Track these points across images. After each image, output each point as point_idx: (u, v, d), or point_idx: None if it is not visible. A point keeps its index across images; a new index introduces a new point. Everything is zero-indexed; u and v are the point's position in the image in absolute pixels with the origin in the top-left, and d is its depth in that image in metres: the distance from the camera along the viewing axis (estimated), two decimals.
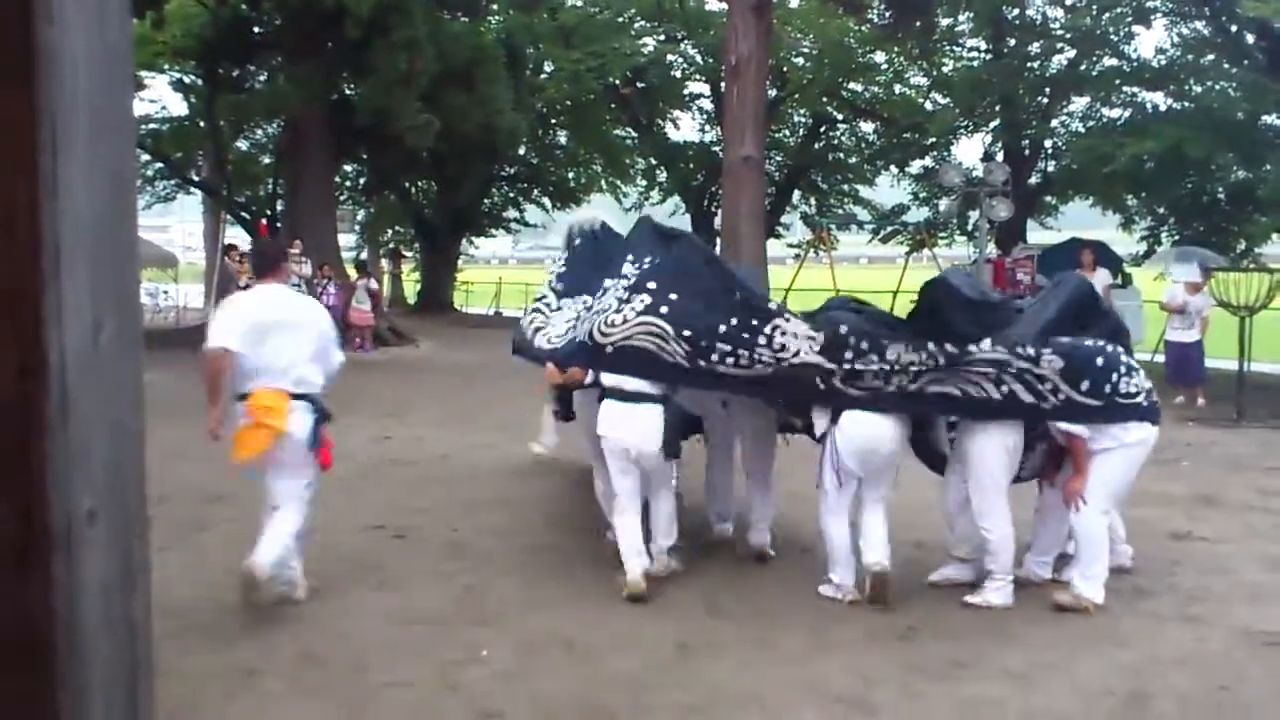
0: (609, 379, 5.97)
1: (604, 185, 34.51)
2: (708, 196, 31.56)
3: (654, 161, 33.08)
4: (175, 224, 62.42)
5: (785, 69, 29.23)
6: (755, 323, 5.85)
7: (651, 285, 5.99)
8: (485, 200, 33.02)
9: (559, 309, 7.10)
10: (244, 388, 5.38)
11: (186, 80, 25.78)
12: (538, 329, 6.96)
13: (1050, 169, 26.52)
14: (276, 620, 5.26)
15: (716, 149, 29.66)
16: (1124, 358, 6.00)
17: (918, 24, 22.56)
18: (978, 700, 4.54)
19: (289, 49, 21.11)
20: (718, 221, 21.84)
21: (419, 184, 31.83)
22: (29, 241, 1.18)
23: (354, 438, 9.36)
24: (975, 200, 20.01)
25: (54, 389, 1.20)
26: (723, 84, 21.33)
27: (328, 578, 5.96)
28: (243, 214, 26.22)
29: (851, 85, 30.60)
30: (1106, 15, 22.13)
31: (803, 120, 32.87)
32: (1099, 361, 5.83)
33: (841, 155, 32.67)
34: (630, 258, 6.42)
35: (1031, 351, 5.76)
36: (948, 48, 27.36)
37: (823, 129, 32.35)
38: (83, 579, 1.25)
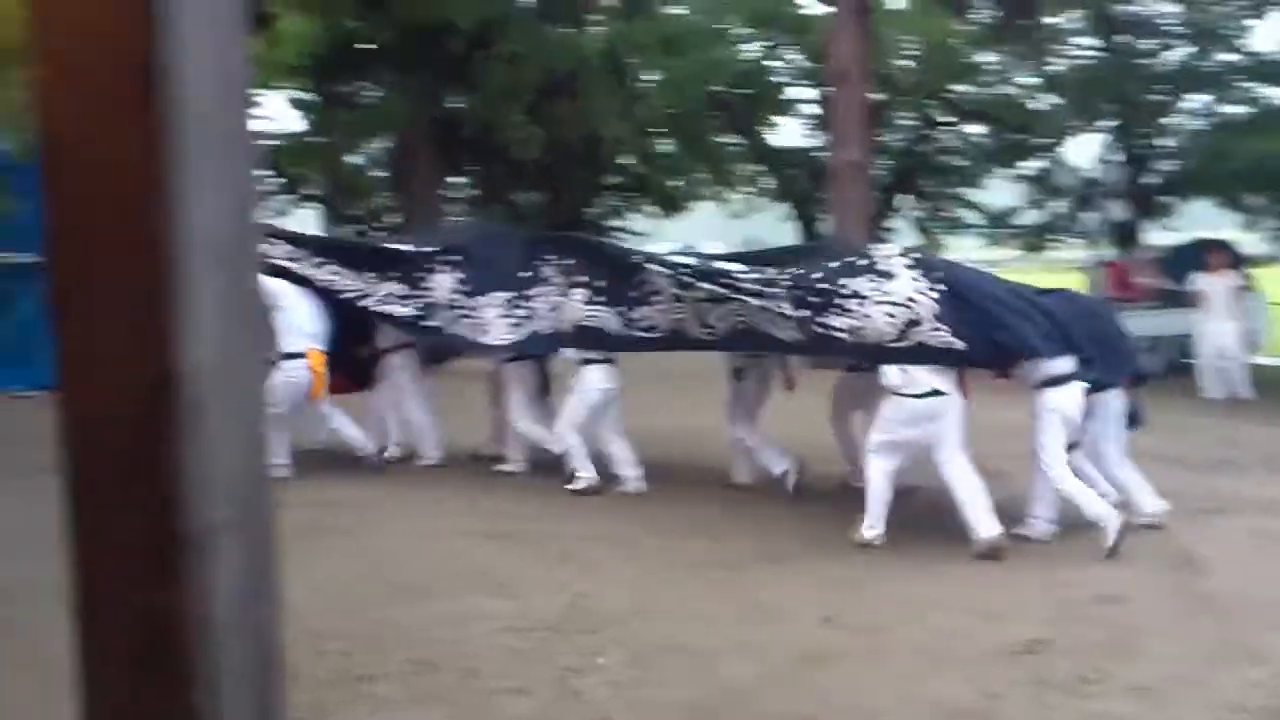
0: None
1: (708, 192, 34.43)
2: (814, 202, 31.32)
3: (758, 168, 32.92)
4: None
5: (889, 72, 28.90)
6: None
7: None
8: (590, 210, 33.18)
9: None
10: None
11: (303, 97, 26.38)
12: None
13: (1168, 168, 25.82)
14: (389, 625, 5.36)
15: (820, 154, 29.45)
16: None
17: (1025, 23, 22.18)
18: (1106, 716, 4.43)
19: (396, 64, 21.49)
20: (824, 227, 21.72)
21: (526, 195, 32.10)
22: (160, 257, 1.22)
23: (463, 443, 9.46)
24: (1090, 202, 19.58)
25: (185, 401, 1.24)
26: (827, 88, 21.19)
27: (438, 583, 6.05)
28: (356, 227, 26.74)
29: (957, 87, 30.13)
30: (1220, 8, 21.52)
31: (909, 123, 32.46)
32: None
33: (949, 158, 32.18)
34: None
35: None
36: (1057, 46, 26.80)
37: (929, 132, 31.91)
38: (215, 584, 1.29)
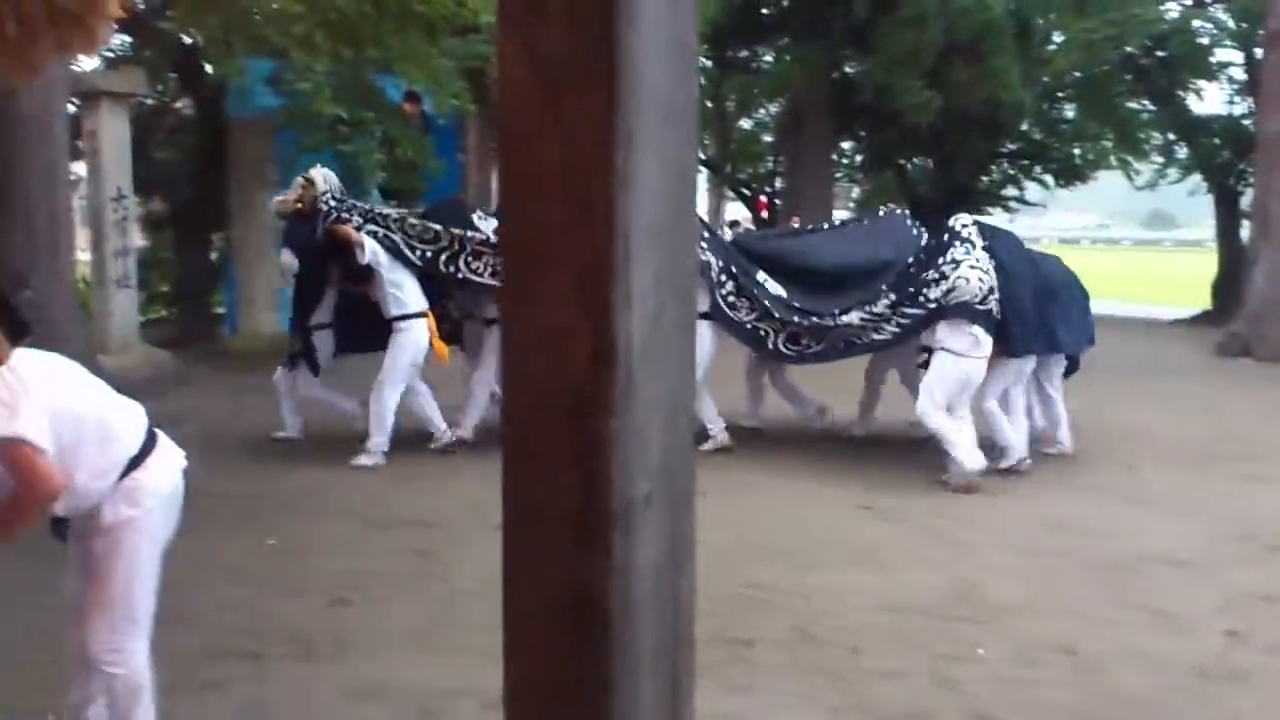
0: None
1: (1114, 161, 32.49)
2: (1235, 174, 28.89)
3: (1172, 136, 30.71)
4: None
5: None
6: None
7: None
8: (984, 177, 32.10)
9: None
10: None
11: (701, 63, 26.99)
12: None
13: None
14: (768, 591, 5.41)
15: (1247, 122, 27.07)
16: None
17: None
18: None
19: (796, 29, 21.54)
20: (1244, 201, 19.97)
21: (915, 161, 31.48)
22: (604, 232, 1.24)
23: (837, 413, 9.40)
24: None
25: (621, 372, 1.26)
26: (1258, 51, 19.42)
27: (817, 556, 6.05)
28: (743, 190, 27.17)
29: None
30: None
31: None
32: None
33: None
34: None
35: None
36: None
37: None
38: (637, 557, 1.31)
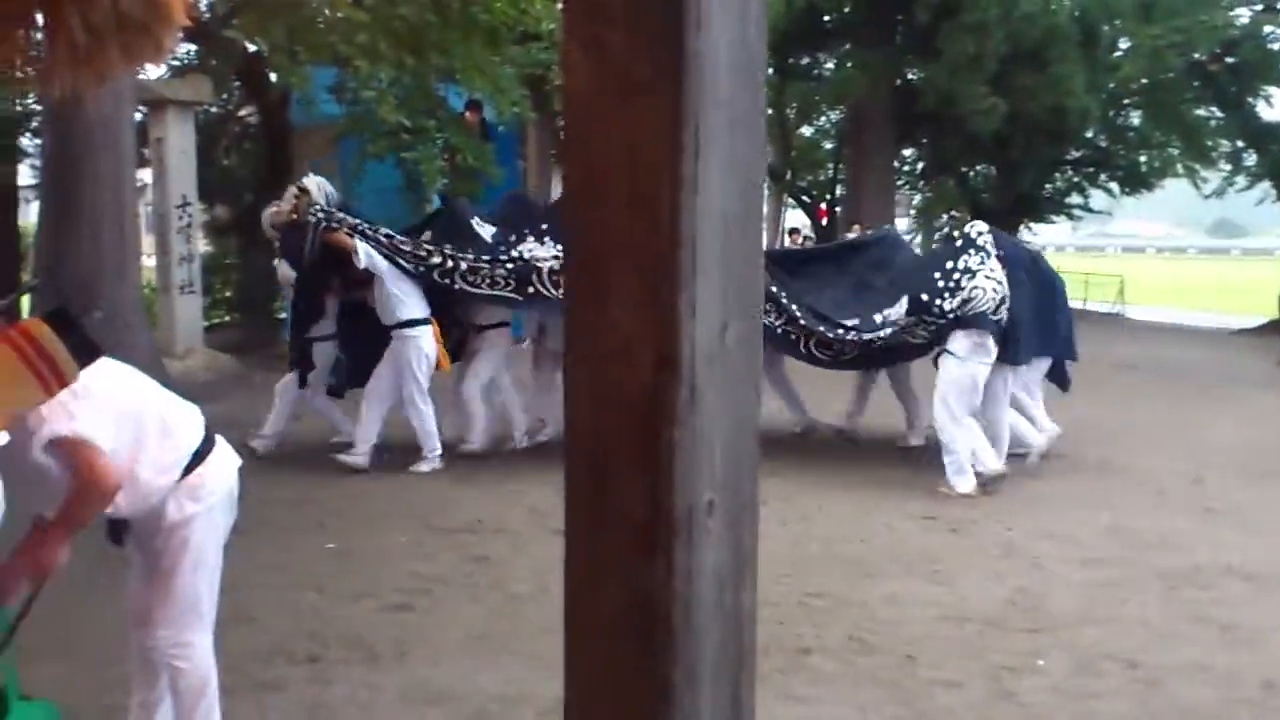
0: None
1: (1180, 168, 32.02)
2: None
3: (1240, 143, 30.20)
4: None
5: None
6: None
7: None
8: (1048, 185, 31.76)
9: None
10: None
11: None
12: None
13: None
14: (831, 600, 5.37)
15: None
16: None
17: None
18: None
19: (858, 35, 21.45)
20: None
21: (978, 168, 31.21)
22: (671, 239, 1.23)
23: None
24: None
25: (685, 382, 1.25)
26: None
27: (877, 565, 6.00)
28: (803, 198, 27.08)
29: None
30: None
31: None
32: None
33: None
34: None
35: None
36: None
37: None
38: (700, 566, 1.30)
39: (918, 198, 34.23)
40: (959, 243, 8.01)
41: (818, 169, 29.61)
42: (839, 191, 26.35)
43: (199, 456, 3.34)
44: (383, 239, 7.88)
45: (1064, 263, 38.24)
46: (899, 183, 29.95)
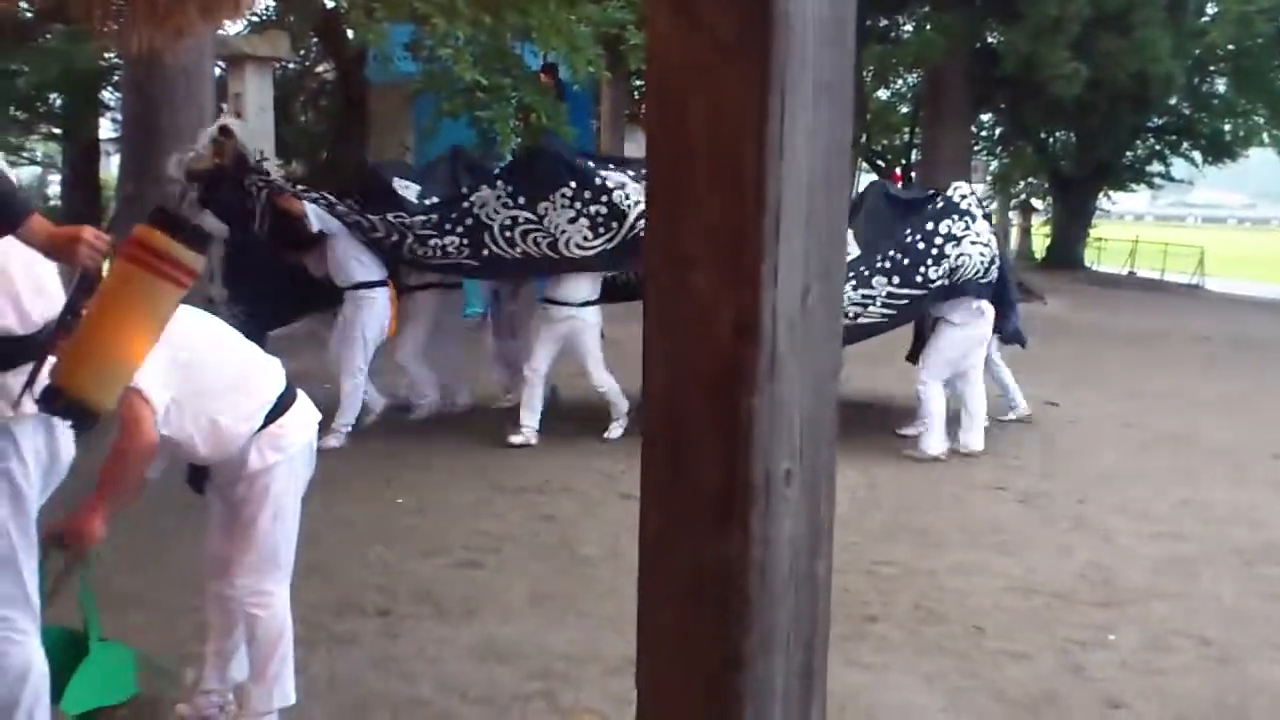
0: None
1: (1265, 138, 31.20)
2: None
3: None
4: None
5: None
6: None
7: None
8: (1128, 152, 31.08)
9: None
10: None
11: None
12: None
13: None
14: (899, 569, 5.35)
15: None
16: None
17: None
18: None
19: None
20: None
21: (1057, 134, 30.61)
22: (755, 204, 1.21)
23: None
24: None
25: (765, 349, 1.24)
26: None
27: (946, 535, 5.95)
28: (878, 162, 26.78)
29: None
30: None
31: None
32: None
33: None
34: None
35: None
36: None
37: None
38: (777, 535, 1.29)
39: (995, 164, 33.68)
40: (939, 205, 7.79)
41: (893, 133, 29.23)
42: (915, 156, 25.98)
43: (280, 408, 3.38)
44: (322, 203, 7.50)
45: (1142, 232, 37.52)
46: (976, 148, 29.49)
